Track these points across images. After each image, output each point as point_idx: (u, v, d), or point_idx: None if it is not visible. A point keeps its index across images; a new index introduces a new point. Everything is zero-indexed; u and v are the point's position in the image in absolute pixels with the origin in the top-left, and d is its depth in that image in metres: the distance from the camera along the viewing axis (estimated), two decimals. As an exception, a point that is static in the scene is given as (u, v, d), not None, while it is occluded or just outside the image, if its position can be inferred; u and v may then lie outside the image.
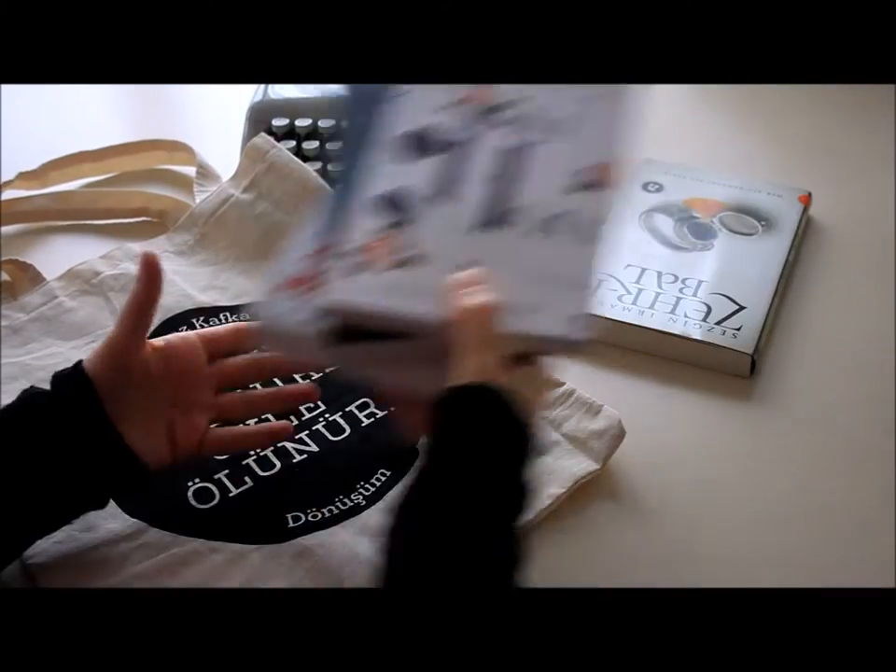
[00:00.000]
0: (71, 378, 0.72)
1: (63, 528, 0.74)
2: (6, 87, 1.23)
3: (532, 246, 0.62)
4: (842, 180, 1.09)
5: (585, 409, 0.83)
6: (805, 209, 1.02)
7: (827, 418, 0.85)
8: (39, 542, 0.73)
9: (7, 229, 1.06)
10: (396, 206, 0.62)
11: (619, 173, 0.66)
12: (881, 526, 0.76)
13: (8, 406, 0.72)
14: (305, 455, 0.82)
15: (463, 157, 0.64)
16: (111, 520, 0.77)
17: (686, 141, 1.16)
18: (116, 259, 0.99)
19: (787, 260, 0.97)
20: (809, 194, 1.03)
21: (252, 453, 0.82)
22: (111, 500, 0.75)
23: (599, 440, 0.81)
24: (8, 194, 1.09)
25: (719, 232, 1.00)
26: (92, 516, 0.75)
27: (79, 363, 0.72)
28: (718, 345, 0.89)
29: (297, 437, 0.83)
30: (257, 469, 0.81)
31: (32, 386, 0.72)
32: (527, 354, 0.61)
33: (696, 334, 0.89)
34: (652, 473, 0.81)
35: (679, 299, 0.93)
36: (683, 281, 0.94)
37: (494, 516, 0.60)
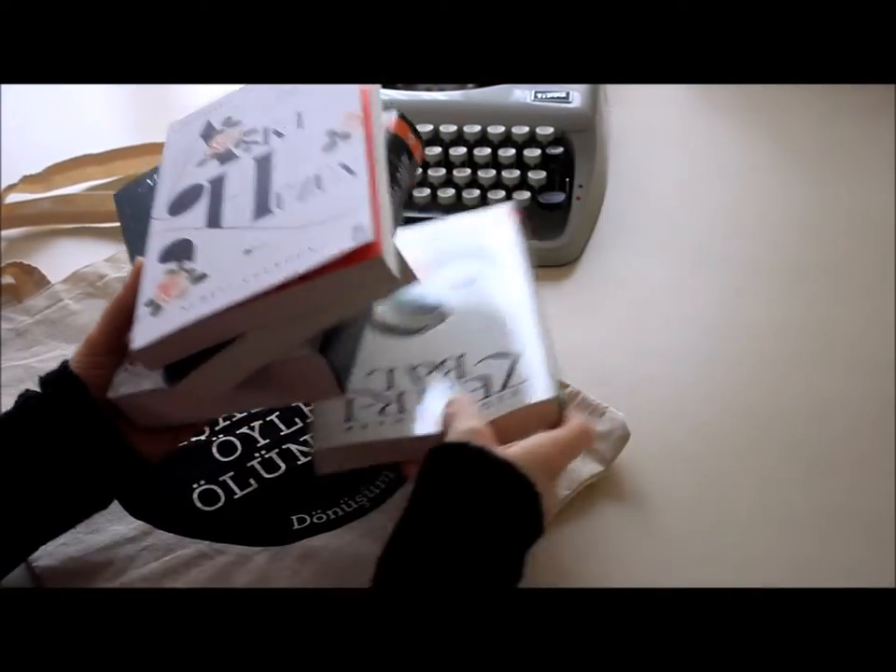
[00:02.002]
0: (60, 378, 0.71)
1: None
2: (8, 91, 1.23)
3: (307, 205, 0.66)
4: (839, 182, 1.09)
5: (590, 411, 0.84)
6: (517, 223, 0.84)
7: (824, 420, 0.85)
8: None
9: (11, 232, 1.07)
10: (176, 252, 0.69)
11: (366, 112, 0.70)
12: (881, 526, 0.77)
13: (7, 412, 0.72)
14: (310, 458, 0.82)
15: (221, 187, 0.71)
16: (116, 522, 0.77)
17: (682, 142, 1.16)
18: (121, 262, 1.00)
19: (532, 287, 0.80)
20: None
21: (256, 455, 0.82)
22: (117, 502, 0.75)
23: (604, 441, 0.81)
24: (13, 198, 1.09)
25: (444, 297, 0.81)
26: (98, 518, 0.75)
27: (65, 364, 0.72)
28: (522, 408, 0.72)
29: (301, 439, 0.83)
30: (261, 471, 0.82)
31: (27, 390, 0.72)
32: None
33: (494, 412, 0.71)
34: (657, 475, 0.81)
35: (450, 384, 0.74)
36: (442, 363, 0.76)
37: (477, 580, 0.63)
